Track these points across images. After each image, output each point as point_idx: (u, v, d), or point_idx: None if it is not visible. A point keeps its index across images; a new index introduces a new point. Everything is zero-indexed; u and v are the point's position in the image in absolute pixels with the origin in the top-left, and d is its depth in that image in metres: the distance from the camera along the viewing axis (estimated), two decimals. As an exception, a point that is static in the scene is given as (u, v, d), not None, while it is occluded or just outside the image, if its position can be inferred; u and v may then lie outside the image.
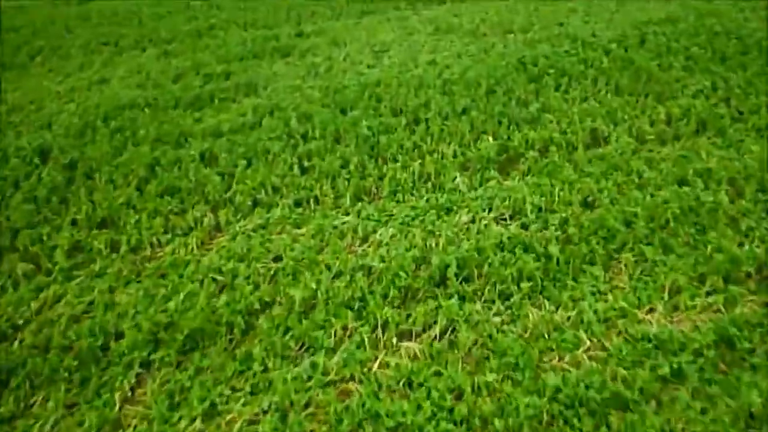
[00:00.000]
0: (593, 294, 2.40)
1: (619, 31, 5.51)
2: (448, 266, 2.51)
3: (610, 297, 2.37)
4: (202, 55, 6.04)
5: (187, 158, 3.67)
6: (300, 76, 5.21)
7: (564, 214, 2.81)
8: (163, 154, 3.75)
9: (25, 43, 7.21)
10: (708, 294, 2.37)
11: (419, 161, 3.45)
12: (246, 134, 3.97)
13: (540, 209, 2.92)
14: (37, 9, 9.54)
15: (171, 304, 2.46)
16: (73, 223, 3.15)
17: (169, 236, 2.99)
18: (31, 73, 6.23)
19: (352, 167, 3.41)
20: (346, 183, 3.27)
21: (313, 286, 2.49)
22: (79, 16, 8.71)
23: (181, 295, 2.53)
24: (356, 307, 2.39)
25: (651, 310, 2.32)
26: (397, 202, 3.14)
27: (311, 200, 3.21)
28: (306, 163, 3.53)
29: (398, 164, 3.42)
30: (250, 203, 3.20)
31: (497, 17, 6.72)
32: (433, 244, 2.74)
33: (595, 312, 2.29)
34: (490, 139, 3.67)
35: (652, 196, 2.92)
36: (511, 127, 3.77)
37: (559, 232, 2.68)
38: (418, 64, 5.25)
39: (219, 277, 2.64)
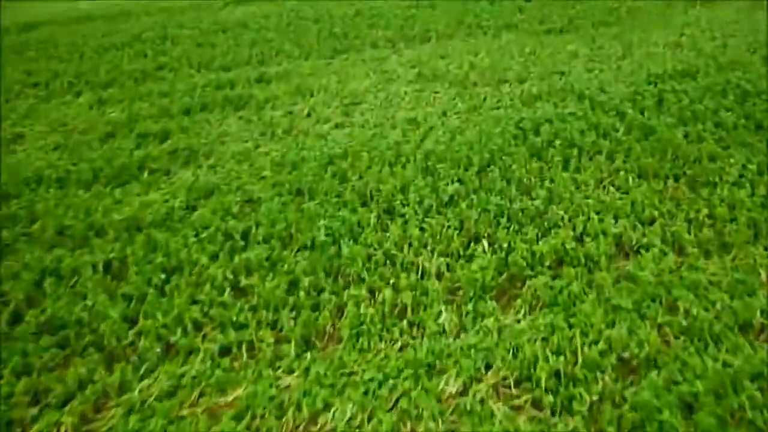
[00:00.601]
0: None
1: (632, 87, 4.83)
2: (429, 497, 1.72)
3: None
4: (141, 105, 5.25)
5: (87, 270, 2.86)
6: (253, 138, 4.44)
7: (593, 396, 2.04)
8: (58, 261, 2.93)
9: (-61, 83, 6.38)
10: None
11: (392, 281, 2.68)
12: (171, 230, 3.17)
13: (558, 374, 2.15)
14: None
15: None
16: None
17: (35, 411, 2.17)
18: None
19: (302, 293, 2.62)
20: (293, 320, 2.48)
21: None
22: (15, 48, 7.90)
23: None
24: None
25: None
26: (360, 351, 2.35)
27: (244, 346, 2.41)
28: (243, 281, 2.74)
29: (364, 287, 2.64)
30: (159, 350, 2.39)
31: (489, 61, 6.03)
32: (409, 435, 1.96)
33: None
34: (485, 245, 2.91)
35: (714, 360, 2.16)
36: (512, 228, 3.01)
37: (591, 429, 1.91)
38: (395, 123, 4.52)
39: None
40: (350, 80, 5.73)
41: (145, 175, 3.91)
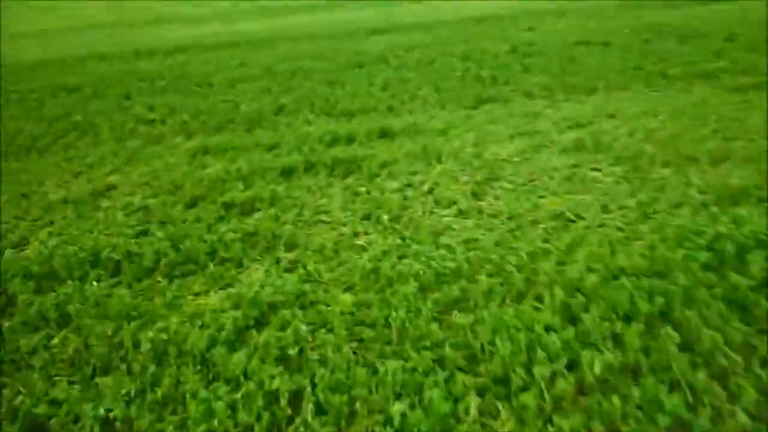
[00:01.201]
0: None
1: None
2: None
3: None
4: (242, 161, 4.71)
5: (85, 424, 2.21)
6: (352, 221, 3.67)
7: None
8: (57, 406, 2.32)
9: (61, 116, 6.36)
10: None
11: None
12: (205, 372, 2.45)
13: None
14: (105, 63, 8.92)
15: None
16: None
17: None
18: (33, 162, 5.22)
19: None
20: None
21: None
22: (150, 75, 7.91)
23: None
24: None
25: None
26: None
27: None
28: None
29: None
30: None
31: (672, 127, 4.81)
32: None
33: None
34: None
35: None
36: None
37: None
38: (537, 218, 3.55)
39: None
40: (489, 143, 4.80)
41: (212, 266, 3.27)
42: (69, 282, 3.17)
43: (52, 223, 4.04)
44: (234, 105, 6.21)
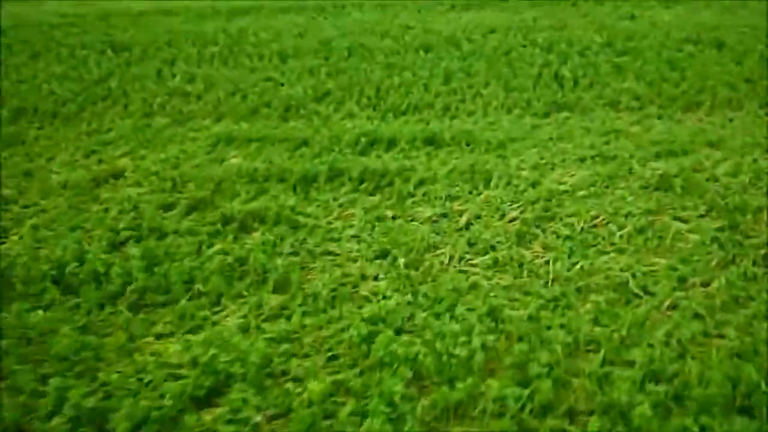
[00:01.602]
0: None
1: None
2: None
3: None
4: (262, 160, 4.18)
5: None
6: (363, 259, 3.08)
7: None
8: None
9: (100, 80, 6.02)
10: None
11: None
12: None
13: None
14: (166, 21, 8.56)
15: None
16: None
17: None
18: (54, 131, 4.89)
19: None
20: None
21: None
22: (201, 38, 7.48)
23: None
24: None
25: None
26: None
27: None
28: None
29: None
30: None
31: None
32: None
33: None
34: None
35: None
36: None
37: None
38: (592, 285, 2.85)
39: None
40: (555, 166, 4.06)
41: (184, 300, 2.78)
42: (16, 304, 2.74)
43: (42, 212, 3.68)
44: (276, 85, 5.68)
